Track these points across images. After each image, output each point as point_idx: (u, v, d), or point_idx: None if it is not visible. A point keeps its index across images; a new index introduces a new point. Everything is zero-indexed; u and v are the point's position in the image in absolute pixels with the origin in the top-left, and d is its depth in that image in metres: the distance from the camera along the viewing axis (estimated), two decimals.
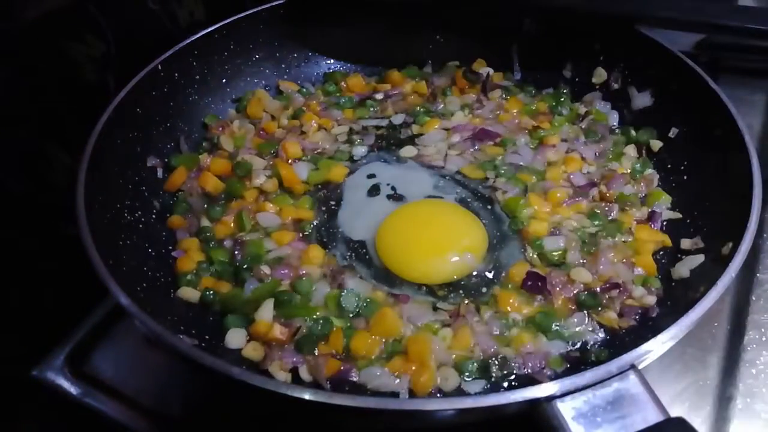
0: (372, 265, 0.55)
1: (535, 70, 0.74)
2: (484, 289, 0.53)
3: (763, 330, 0.53)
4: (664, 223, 0.58)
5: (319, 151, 0.67)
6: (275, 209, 0.60)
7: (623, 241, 0.56)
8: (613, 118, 0.69)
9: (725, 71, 0.76)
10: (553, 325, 0.49)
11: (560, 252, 0.55)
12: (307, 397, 0.36)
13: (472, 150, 0.66)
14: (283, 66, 0.75)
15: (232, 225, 0.58)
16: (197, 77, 0.67)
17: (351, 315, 0.51)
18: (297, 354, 0.48)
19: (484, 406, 0.36)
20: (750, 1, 0.83)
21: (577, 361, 0.47)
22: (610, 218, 0.58)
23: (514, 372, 0.47)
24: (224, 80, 0.70)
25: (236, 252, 0.55)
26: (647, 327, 0.49)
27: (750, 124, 0.67)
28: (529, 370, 0.46)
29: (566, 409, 0.36)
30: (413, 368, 0.47)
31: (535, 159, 0.64)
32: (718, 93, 0.57)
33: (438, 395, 0.46)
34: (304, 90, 0.74)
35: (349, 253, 0.56)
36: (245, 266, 0.54)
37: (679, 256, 0.54)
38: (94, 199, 0.49)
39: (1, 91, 0.55)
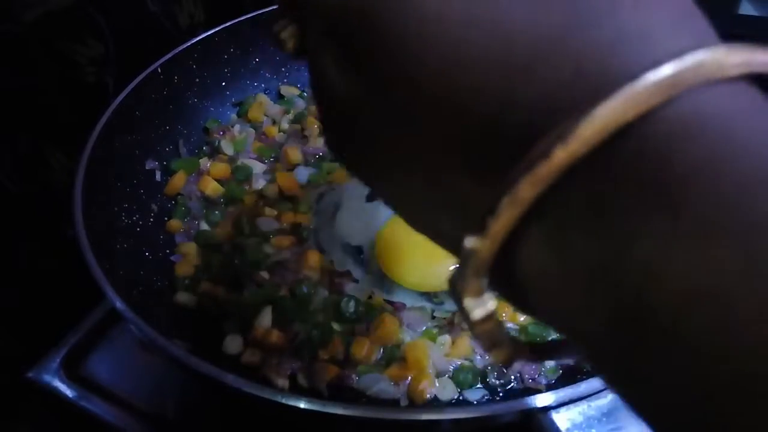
0: (370, 271, 0.55)
1: None
2: None
3: None
4: None
5: (320, 155, 0.67)
6: (274, 213, 0.60)
7: None
8: None
9: None
10: (546, 335, 0.49)
11: None
12: (302, 405, 0.36)
13: None
14: (283, 70, 0.75)
15: (230, 229, 0.58)
16: (197, 80, 0.67)
17: (350, 320, 0.51)
18: (295, 359, 0.48)
19: (479, 416, 0.36)
20: (752, 10, 0.83)
21: (572, 370, 0.47)
22: None
23: (512, 380, 0.47)
24: (224, 84, 0.70)
25: (235, 256, 0.55)
26: None
27: None
28: (528, 379, 0.46)
29: (561, 420, 0.36)
30: (412, 375, 0.47)
31: None
32: None
33: (436, 402, 0.46)
34: (305, 94, 0.74)
35: (347, 258, 0.56)
36: (244, 271, 0.54)
37: None
38: (92, 202, 0.49)
39: (0, 91, 0.55)
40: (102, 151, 0.53)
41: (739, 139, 0.12)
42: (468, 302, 0.15)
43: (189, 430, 0.50)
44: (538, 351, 0.17)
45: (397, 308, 0.51)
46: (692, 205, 0.11)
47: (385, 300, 0.52)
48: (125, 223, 0.55)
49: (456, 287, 0.15)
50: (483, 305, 0.15)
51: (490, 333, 0.15)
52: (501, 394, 0.46)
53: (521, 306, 0.16)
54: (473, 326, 0.15)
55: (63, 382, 0.51)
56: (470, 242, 0.14)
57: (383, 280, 0.54)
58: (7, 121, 0.56)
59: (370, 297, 0.53)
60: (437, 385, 0.46)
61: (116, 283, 0.43)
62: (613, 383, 0.14)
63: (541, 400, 0.36)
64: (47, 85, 0.60)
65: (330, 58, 0.18)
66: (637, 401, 0.13)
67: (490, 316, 0.15)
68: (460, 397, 0.46)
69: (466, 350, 0.48)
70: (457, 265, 0.15)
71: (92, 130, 0.54)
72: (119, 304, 0.42)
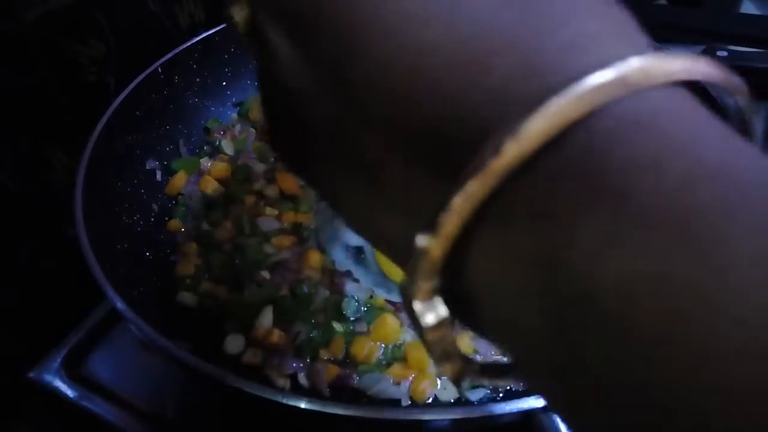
0: (370, 271, 0.55)
1: None
2: None
3: None
4: None
5: None
6: (275, 213, 0.60)
7: None
8: None
9: None
10: None
11: None
12: (303, 405, 0.36)
13: None
14: None
15: (231, 229, 0.58)
16: (197, 80, 0.67)
17: (351, 320, 0.51)
18: (296, 359, 0.48)
19: (480, 416, 0.36)
20: (753, 9, 0.83)
21: None
22: None
23: None
24: (225, 83, 0.70)
25: (235, 256, 0.55)
26: None
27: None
28: None
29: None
30: (413, 375, 0.47)
31: None
32: None
33: (437, 402, 0.46)
34: None
35: (347, 258, 0.56)
36: (244, 271, 0.54)
37: None
38: (93, 202, 0.49)
39: (1, 91, 0.55)
40: (103, 150, 0.53)
41: (680, 137, 0.12)
42: (418, 306, 0.14)
43: (189, 430, 0.50)
44: (488, 371, 0.16)
45: (397, 308, 0.51)
46: (634, 196, 0.12)
47: (385, 300, 0.52)
48: (126, 222, 0.55)
49: (406, 290, 0.14)
50: (434, 310, 0.14)
51: (441, 342, 0.15)
52: (502, 394, 0.46)
53: (467, 318, 0.16)
54: (424, 333, 0.15)
55: (64, 382, 0.51)
56: (422, 241, 0.13)
57: (384, 279, 0.54)
58: (8, 121, 0.56)
59: (370, 297, 0.52)
60: (438, 385, 0.46)
61: (116, 283, 0.43)
62: (555, 398, 0.14)
63: (543, 400, 0.36)
64: (48, 84, 0.59)
65: (278, 44, 0.17)
66: (581, 417, 0.13)
67: (442, 324, 0.15)
68: (461, 397, 0.46)
69: (466, 349, 0.48)
70: (408, 268, 0.14)
71: (93, 129, 0.54)
72: (119, 304, 0.42)
